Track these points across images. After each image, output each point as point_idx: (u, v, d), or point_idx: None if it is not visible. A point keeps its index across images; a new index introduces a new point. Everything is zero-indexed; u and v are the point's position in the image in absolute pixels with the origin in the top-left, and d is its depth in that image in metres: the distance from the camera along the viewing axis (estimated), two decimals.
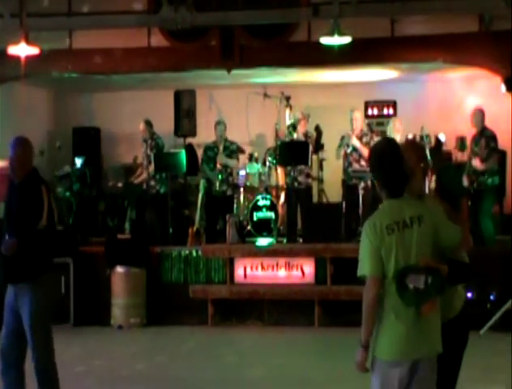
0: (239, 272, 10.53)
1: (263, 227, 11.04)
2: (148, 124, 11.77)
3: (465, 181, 10.82)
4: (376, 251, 3.90)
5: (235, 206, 11.60)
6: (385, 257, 3.90)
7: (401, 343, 3.88)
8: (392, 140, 4.39)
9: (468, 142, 11.08)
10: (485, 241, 10.44)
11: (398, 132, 10.87)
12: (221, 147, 11.67)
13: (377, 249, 3.90)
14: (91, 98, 14.34)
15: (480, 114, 10.62)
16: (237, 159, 11.77)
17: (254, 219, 11.05)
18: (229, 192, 11.67)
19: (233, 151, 11.73)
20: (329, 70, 11.99)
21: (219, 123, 11.82)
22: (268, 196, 11.22)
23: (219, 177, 11.55)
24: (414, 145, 4.52)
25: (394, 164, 3.97)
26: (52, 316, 5.86)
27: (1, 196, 6.31)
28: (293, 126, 11.48)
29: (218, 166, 11.60)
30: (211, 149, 11.79)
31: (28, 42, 9.55)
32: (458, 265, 4.09)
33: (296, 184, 11.31)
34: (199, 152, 12.57)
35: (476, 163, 10.54)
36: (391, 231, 3.91)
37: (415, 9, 10.17)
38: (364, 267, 3.94)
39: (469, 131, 10.98)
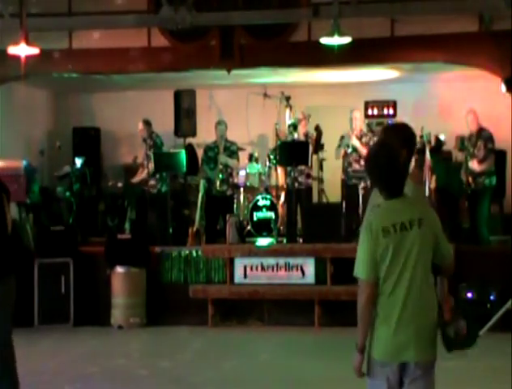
0: (239, 272, 10.53)
1: (263, 227, 11.04)
2: (147, 123, 11.76)
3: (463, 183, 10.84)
4: (371, 254, 3.90)
5: (235, 206, 11.60)
6: (379, 259, 3.90)
7: (387, 344, 3.89)
8: (386, 143, 4.34)
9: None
10: (480, 242, 10.49)
11: None
12: (221, 147, 11.68)
13: (373, 251, 3.90)
14: (91, 98, 14.34)
15: (472, 116, 10.64)
16: (238, 159, 11.77)
17: (254, 219, 11.05)
18: (229, 192, 11.67)
19: (234, 151, 11.73)
20: (329, 70, 11.99)
21: (219, 123, 11.82)
22: (268, 196, 11.22)
23: (220, 176, 11.56)
24: (395, 128, 4.46)
25: (388, 166, 3.95)
26: (12, 318, 5.78)
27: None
28: (294, 126, 11.49)
29: (219, 166, 11.60)
30: (211, 149, 11.79)
31: (28, 42, 9.54)
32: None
33: (296, 184, 11.31)
34: (199, 152, 12.57)
35: (474, 165, 10.57)
36: (387, 233, 3.89)
37: (415, 9, 10.17)
38: (359, 269, 3.95)
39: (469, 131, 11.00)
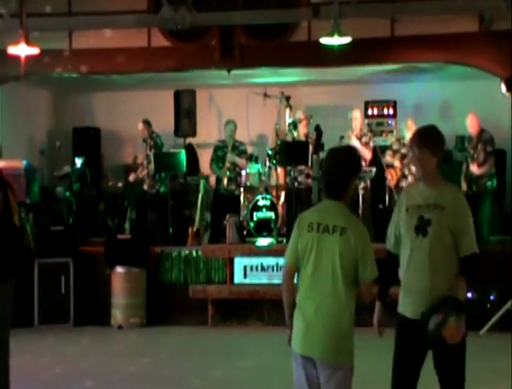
0: (239, 272, 10.54)
1: (263, 227, 11.04)
2: (147, 123, 11.76)
3: (463, 185, 10.83)
4: (294, 245, 4.14)
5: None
6: (300, 252, 4.09)
7: (297, 336, 4.07)
8: (348, 148, 4.62)
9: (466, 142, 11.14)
10: (480, 242, 10.48)
11: (410, 131, 10.91)
12: (230, 147, 11.71)
13: (296, 243, 4.12)
14: (91, 98, 14.34)
15: (472, 119, 10.63)
16: (246, 159, 11.78)
17: (254, 219, 11.06)
18: (237, 192, 11.65)
19: (242, 151, 11.77)
20: (329, 70, 11.99)
21: (228, 123, 11.89)
22: (268, 196, 11.22)
23: (228, 173, 11.60)
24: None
25: (335, 167, 4.08)
26: (11, 319, 5.76)
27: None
28: (294, 124, 11.49)
29: (227, 164, 11.63)
30: (220, 148, 11.84)
31: (28, 42, 9.54)
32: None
33: (296, 184, 11.31)
34: (199, 152, 12.58)
35: (474, 168, 10.56)
36: (311, 229, 4.06)
37: (415, 9, 10.17)
38: (286, 254, 4.23)
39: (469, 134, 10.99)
